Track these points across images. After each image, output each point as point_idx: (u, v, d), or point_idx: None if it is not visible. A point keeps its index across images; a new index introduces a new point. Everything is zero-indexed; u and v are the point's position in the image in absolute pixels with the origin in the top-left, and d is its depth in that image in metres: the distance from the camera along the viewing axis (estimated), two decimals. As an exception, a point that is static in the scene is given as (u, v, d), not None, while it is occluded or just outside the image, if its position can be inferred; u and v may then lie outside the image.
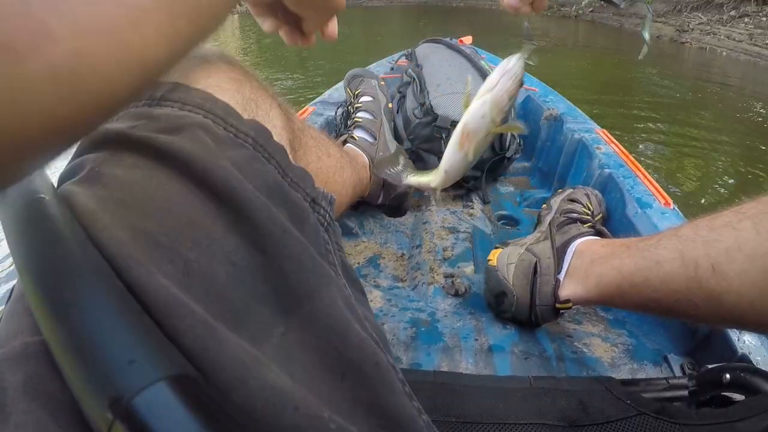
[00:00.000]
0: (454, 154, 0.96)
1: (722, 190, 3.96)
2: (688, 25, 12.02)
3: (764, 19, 10.83)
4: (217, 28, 0.43)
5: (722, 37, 11.07)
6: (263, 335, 0.41)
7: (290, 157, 0.59)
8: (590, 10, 15.39)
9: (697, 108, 6.45)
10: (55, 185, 0.45)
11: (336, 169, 0.97)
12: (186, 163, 0.44)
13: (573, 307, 0.98)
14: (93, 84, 0.30)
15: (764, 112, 6.18)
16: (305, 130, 0.83)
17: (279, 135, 0.59)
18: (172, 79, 0.53)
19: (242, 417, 0.36)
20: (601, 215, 1.29)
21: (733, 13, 11.54)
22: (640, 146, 4.71)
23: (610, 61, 9.69)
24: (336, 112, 1.63)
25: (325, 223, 0.56)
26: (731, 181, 4.21)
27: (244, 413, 0.36)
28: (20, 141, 0.28)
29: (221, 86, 0.56)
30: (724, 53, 10.53)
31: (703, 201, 3.64)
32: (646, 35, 1.06)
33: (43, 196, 0.40)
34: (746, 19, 11.16)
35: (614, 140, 1.62)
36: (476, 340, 1.00)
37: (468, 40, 2.18)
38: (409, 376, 0.84)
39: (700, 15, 12.17)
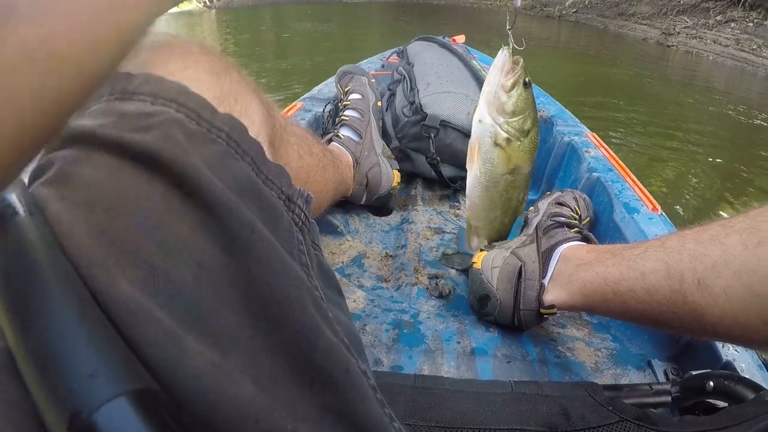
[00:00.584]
0: (469, 180, 1.00)
1: (703, 195, 3.99)
2: (674, 29, 12.01)
3: (750, 24, 10.84)
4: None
5: (709, 41, 11.08)
6: (230, 340, 0.40)
7: (269, 153, 0.57)
8: (574, 10, 15.34)
9: (680, 111, 6.49)
10: (26, 183, 0.44)
11: (318, 168, 0.96)
12: (155, 163, 0.43)
13: (557, 312, 0.97)
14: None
15: (745, 119, 6.22)
16: (288, 127, 0.81)
17: (257, 130, 0.58)
18: (146, 71, 0.51)
19: (202, 431, 0.35)
20: (588, 219, 1.28)
21: (719, 17, 11.54)
22: (619, 149, 4.74)
23: (592, 62, 9.66)
24: (324, 109, 1.62)
25: (300, 222, 0.54)
26: (710, 185, 4.25)
27: (203, 427, 0.35)
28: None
29: (199, 78, 0.54)
30: (711, 58, 10.54)
31: (679, 207, 3.65)
32: None
33: (12, 197, 0.39)
34: (732, 24, 11.17)
35: (603, 144, 1.61)
36: (459, 342, 0.99)
37: (460, 39, 2.18)
38: (390, 380, 0.84)
39: (686, 19, 12.15)
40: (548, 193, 1.31)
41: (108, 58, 0.34)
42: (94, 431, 0.28)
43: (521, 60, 0.94)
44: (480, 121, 0.98)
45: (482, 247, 1.12)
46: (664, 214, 1.25)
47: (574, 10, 15.34)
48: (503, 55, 0.94)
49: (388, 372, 0.90)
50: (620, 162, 1.48)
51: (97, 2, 0.32)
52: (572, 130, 1.72)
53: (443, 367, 0.93)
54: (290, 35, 10.96)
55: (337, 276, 1.18)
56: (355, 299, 1.11)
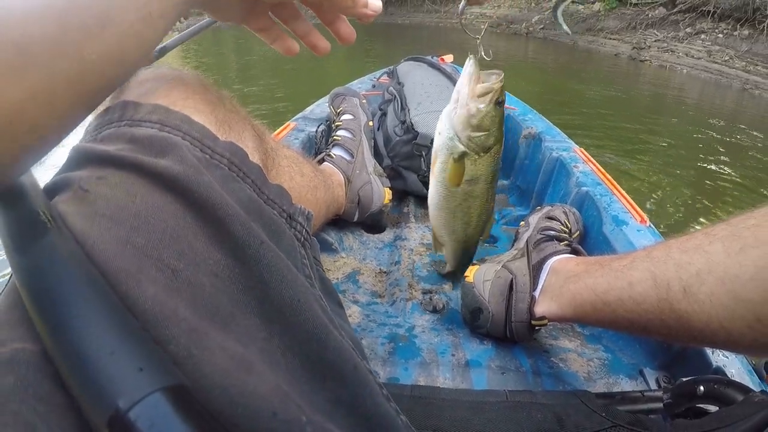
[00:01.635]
0: (429, 189, 1.03)
1: (676, 206, 4.03)
2: (645, 43, 12.01)
3: (720, 35, 10.87)
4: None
5: (681, 54, 11.10)
6: (248, 340, 0.43)
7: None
8: (541, 27, 15.28)
9: (654, 126, 6.54)
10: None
11: (309, 188, 0.98)
12: (171, 183, 0.46)
13: (549, 324, 0.99)
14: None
15: (718, 135, 6.27)
16: (279, 149, 0.84)
17: (251, 155, 0.61)
18: (152, 101, 0.54)
19: (223, 423, 0.37)
20: (578, 232, 1.30)
21: (689, 30, 11.54)
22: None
23: (561, 79, 9.61)
24: (317, 129, 1.64)
25: (302, 239, 0.58)
26: (684, 198, 4.30)
27: (224, 419, 0.37)
28: None
29: (197, 108, 0.58)
30: (685, 71, 10.55)
31: (659, 219, 3.68)
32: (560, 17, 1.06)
33: (41, 212, 0.41)
34: (703, 36, 11.19)
35: (591, 159, 1.64)
36: (453, 355, 1.00)
37: (449, 58, 2.21)
38: (387, 390, 0.85)
39: (656, 32, 12.16)
40: (538, 208, 1.33)
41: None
42: (133, 427, 0.30)
43: (502, 75, 0.93)
44: (439, 133, 0.97)
45: (474, 261, 1.14)
46: (652, 225, 1.27)
47: (541, 26, 15.28)
48: (469, 65, 0.92)
49: (385, 383, 0.91)
50: (608, 176, 1.50)
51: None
52: (560, 145, 1.74)
53: (439, 378, 0.94)
54: (255, 58, 10.87)
55: (332, 292, 1.20)
56: (351, 314, 1.12)
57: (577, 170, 1.54)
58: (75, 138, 0.51)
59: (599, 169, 1.55)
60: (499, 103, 0.93)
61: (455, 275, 1.22)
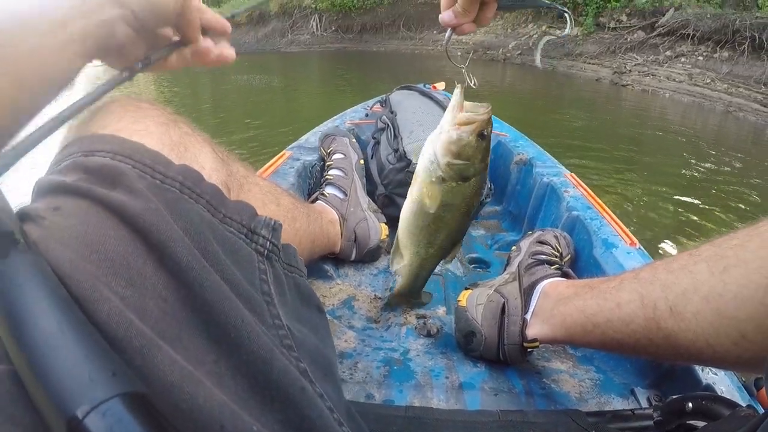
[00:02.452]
0: (405, 204, 1.01)
1: (662, 231, 4.04)
2: (625, 67, 11.95)
3: (701, 58, 10.84)
4: (55, 92, 0.55)
5: (662, 77, 11.07)
6: (197, 361, 0.45)
7: (227, 195, 0.63)
8: (518, 53, 15.14)
9: (636, 152, 6.56)
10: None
11: (287, 219, 1.01)
12: (119, 211, 0.49)
13: (541, 346, 1.01)
14: None
15: (702, 158, 6.29)
16: (251, 177, 0.88)
17: (208, 176, 0.64)
18: (107, 128, 0.59)
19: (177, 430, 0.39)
20: (570, 256, 1.32)
21: (668, 53, 11.48)
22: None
23: (541, 104, 9.51)
24: (312, 167, 1.67)
25: (265, 251, 0.59)
26: (667, 219, 4.33)
27: (177, 428, 0.40)
28: None
29: (148, 130, 0.62)
30: (668, 95, 10.50)
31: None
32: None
33: (13, 227, 0.43)
34: (683, 59, 11.14)
35: (582, 183, 1.66)
36: (447, 377, 1.01)
37: (440, 86, 2.24)
38: (382, 411, 0.87)
39: (635, 56, 12.24)
40: (530, 232, 1.35)
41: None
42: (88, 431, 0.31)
43: (489, 108, 0.90)
44: (422, 155, 0.96)
45: (466, 286, 1.15)
46: (642, 248, 1.29)
47: (519, 52, 15.11)
48: (456, 94, 0.91)
49: (380, 404, 0.93)
50: (598, 200, 1.53)
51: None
52: (551, 171, 1.77)
53: (433, 400, 0.95)
54: (229, 87, 10.88)
55: (329, 318, 1.21)
56: (347, 339, 1.13)
57: (568, 195, 1.56)
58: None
59: (589, 194, 1.58)
60: (482, 135, 0.90)
61: (402, 296, 1.20)
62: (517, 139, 2.11)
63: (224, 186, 0.70)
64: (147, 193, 0.51)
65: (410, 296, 1.18)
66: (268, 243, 0.60)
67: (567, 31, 1.05)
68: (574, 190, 1.60)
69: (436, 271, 1.41)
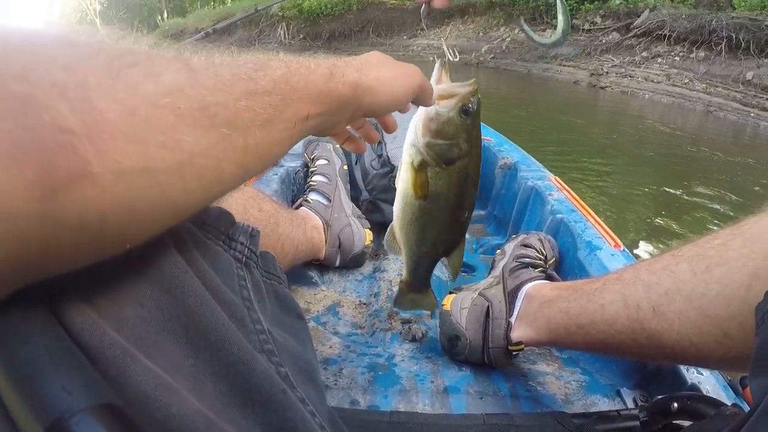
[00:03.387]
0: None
1: (641, 231, 4.10)
2: (602, 69, 12.00)
3: (677, 58, 10.86)
4: (264, 170, 0.51)
5: (640, 78, 11.05)
6: (174, 367, 0.44)
7: None
8: (491, 56, 15.14)
9: (614, 154, 6.56)
10: None
11: (269, 224, 1.01)
12: None
13: (526, 348, 1.00)
14: (114, 232, 0.35)
15: (685, 158, 6.39)
16: None
17: None
18: None
19: None
20: (554, 259, 1.32)
21: (645, 54, 11.55)
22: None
23: (516, 108, 9.29)
24: (296, 174, 1.67)
25: (244, 258, 0.59)
26: (645, 219, 4.39)
27: None
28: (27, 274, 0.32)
29: None
30: (647, 96, 10.49)
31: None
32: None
33: None
34: (659, 60, 11.16)
35: (566, 187, 1.66)
36: (432, 382, 1.01)
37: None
38: (366, 417, 0.86)
39: (612, 57, 12.21)
40: (514, 236, 1.35)
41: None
42: None
43: (472, 81, 0.82)
44: (406, 139, 0.88)
45: (450, 290, 1.15)
46: (626, 249, 1.30)
47: (492, 56, 15.01)
48: (436, 68, 0.85)
49: (365, 410, 0.92)
50: (582, 203, 1.53)
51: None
52: (535, 174, 1.77)
53: (418, 405, 0.95)
54: None
55: (313, 324, 1.21)
56: (332, 345, 1.13)
57: (552, 198, 1.56)
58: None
59: (573, 197, 1.58)
60: (466, 111, 0.81)
61: (406, 289, 1.07)
62: (502, 144, 2.11)
63: None
64: None
65: (414, 290, 1.07)
66: (246, 249, 0.60)
67: (560, 28, 0.94)
68: (558, 194, 1.60)
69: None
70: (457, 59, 0.87)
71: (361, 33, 18.87)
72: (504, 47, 14.97)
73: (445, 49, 0.87)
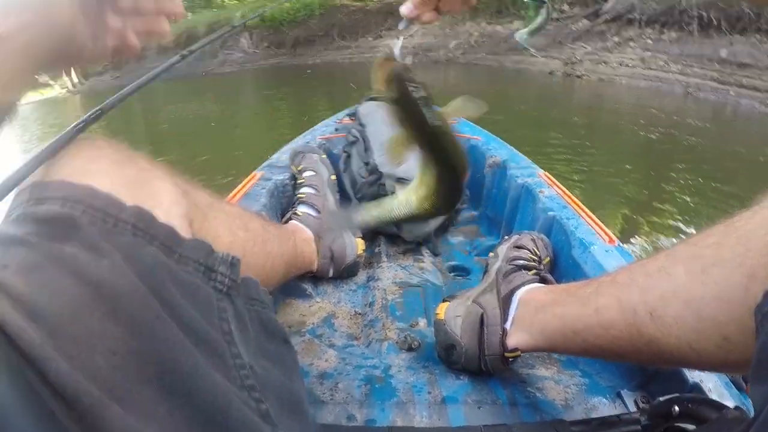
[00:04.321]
0: None
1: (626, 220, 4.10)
2: (575, 57, 11.64)
3: (650, 41, 10.68)
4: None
5: (615, 64, 10.87)
6: (147, 414, 0.43)
7: (187, 230, 0.61)
8: (461, 52, 14.52)
9: (594, 142, 6.50)
10: None
11: (256, 242, 0.99)
12: (68, 265, 0.47)
13: (522, 354, 0.99)
14: None
15: (667, 141, 6.36)
16: (215, 204, 0.85)
17: (167, 210, 0.61)
18: (59, 171, 0.56)
19: None
20: (548, 258, 1.31)
21: (616, 39, 11.23)
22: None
23: (495, 103, 8.63)
24: (287, 185, 1.66)
25: (225, 288, 0.57)
26: (630, 206, 4.40)
27: None
28: None
29: (102, 169, 0.59)
30: (624, 81, 10.33)
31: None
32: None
33: None
34: (632, 44, 10.95)
35: (556, 182, 1.65)
36: (429, 393, 0.99)
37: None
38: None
39: (583, 45, 11.76)
40: (507, 237, 1.33)
41: None
42: None
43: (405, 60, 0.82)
44: None
45: (444, 298, 1.13)
46: (621, 244, 1.28)
47: (461, 51, 14.56)
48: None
49: (362, 426, 0.91)
50: (574, 199, 1.52)
51: None
52: (525, 171, 1.76)
53: (416, 417, 0.93)
54: (162, 120, 10.10)
55: (308, 337, 1.20)
56: (327, 358, 1.11)
57: (543, 195, 1.55)
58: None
59: (564, 192, 1.57)
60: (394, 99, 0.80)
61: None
62: (490, 142, 2.09)
63: (186, 218, 0.68)
64: (101, 242, 0.49)
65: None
66: (227, 279, 0.58)
67: (540, 19, 0.91)
68: (549, 190, 1.59)
69: (415, 282, 1.40)
70: (408, 61, 0.83)
71: (325, 38, 18.49)
72: (473, 42, 14.59)
73: (395, 45, 0.84)
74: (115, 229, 0.52)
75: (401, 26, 0.87)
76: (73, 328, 0.43)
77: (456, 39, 14.99)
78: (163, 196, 0.65)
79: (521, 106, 8.85)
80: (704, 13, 9.60)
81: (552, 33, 12.26)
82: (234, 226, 0.91)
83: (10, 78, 0.47)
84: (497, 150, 1.99)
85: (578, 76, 11.19)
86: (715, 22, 9.49)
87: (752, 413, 0.50)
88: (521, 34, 0.96)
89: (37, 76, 0.55)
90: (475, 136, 2.14)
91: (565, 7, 12.59)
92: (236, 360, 0.52)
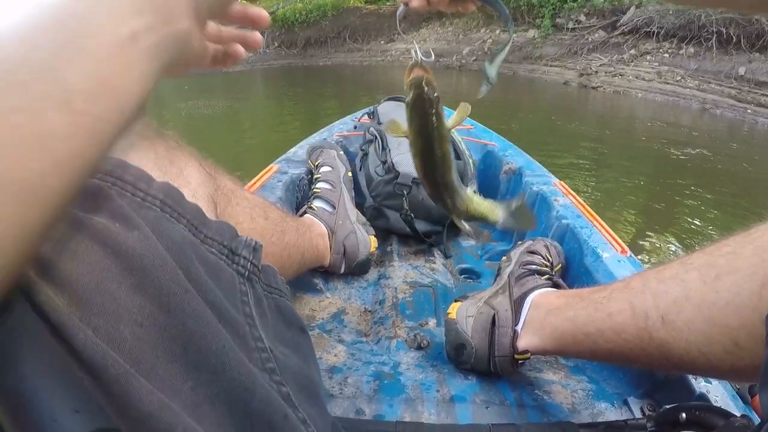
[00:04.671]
0: None
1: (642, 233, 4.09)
2: (591, 68, 11.82)
3: (666, 55, 10.65)
4: (124, 113, 0.41)
5: (631, 77, 10.84)
6: (172, 390, 0.43)
7: (212, 212, 0.61)
8: (473, 59, 14.67)
9: (608, 154, 6.54)
10: None
11: (274, 231, 1.00)
12: (98, 236, 0.46)
13: (532, 357, 1.00)
14: None
15: (685, 157, 6.35)
16: (237, 191, 0.86)
17: (194, 190, 0.62)
18: None
19: None
20: (560, 265, 1.32)
21: (633, 51, 11.31)
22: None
23: (508, 112, 8.84)
24: (300, 181, 1.67)
25: (246, 272, 0.58)
26: (648, 219, 4.39)
27: None
28: None
29: (134, 144, 0.59)
30: (640, 95, 10.31)
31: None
32: (492, 70, 0.95)
33: None
34: (648, 57, 10.93)
35: (572, 192, 1.66)
36: (438, 391, 1.00)
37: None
38: (372, 427, 0.85)
39: (599, 56, 11.93)
40: (520, 242, 1.34)
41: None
42: None
43: (419, 77, 0.85)
44: None
45: (456, 298, 1.14)
46: (633, 255, 1.29)
47: (474, 58, 14.63)
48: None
49: (370, 420, 0.92)
50: (588, 208, 1.52)
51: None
52: (540, 179, 1.77)
53: (423, 414, 0.94)
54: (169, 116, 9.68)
55: (318, 331, 1.21)
56: (336, 353, 1.12)
57: (558, 203, 1.56)
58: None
59: (579, 202, 1.57)
60: (408, 104, 0.87)
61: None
62: (506, 149, 2.10)
63: (211, 200, 0.69)
64: (131, 214, 0.49)
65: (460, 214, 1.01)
66: (249, 264, 0.59)
67: (509, 38, 0.90)
68: (563, 199, 1.59)
69: (425, 282, 1.41)
70: (432, 59, 0.86)
71: (337, 39, 18.60)
72: (486, 49, 14.59)
73: (415, 51, 0.87)
74: (144, 203, 0.52)
75: (399, 13, 0.94)
76: (99, 298, 0.43)
77: (469, 45, 15.04)
78: (192, 176, 0.66)
79: (533, 115, 8.84)
80: (723, 30, 9.55)
81: (567, 42, 12.32)
82: (254, 214, 0.92)
83: (139, 81, 0.44)
84: (513, 157, 2.00)
85: (594, 88, 11.17)
86: (734, 39, 9.45)
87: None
88: (489, 66, 0.96)
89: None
90: (491, 142, 2.15)
91: (582, 17, 12.54)
92: (257, 343, 0.53)
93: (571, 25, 12.70)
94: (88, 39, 0.36)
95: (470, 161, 1.71)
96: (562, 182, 1.74)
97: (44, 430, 0.32)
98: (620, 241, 1.35)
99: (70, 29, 0.35)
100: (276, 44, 19.43)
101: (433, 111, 0.86)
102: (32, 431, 0.32)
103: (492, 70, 0.94)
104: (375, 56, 17.35)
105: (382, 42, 17.47)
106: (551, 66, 12.63)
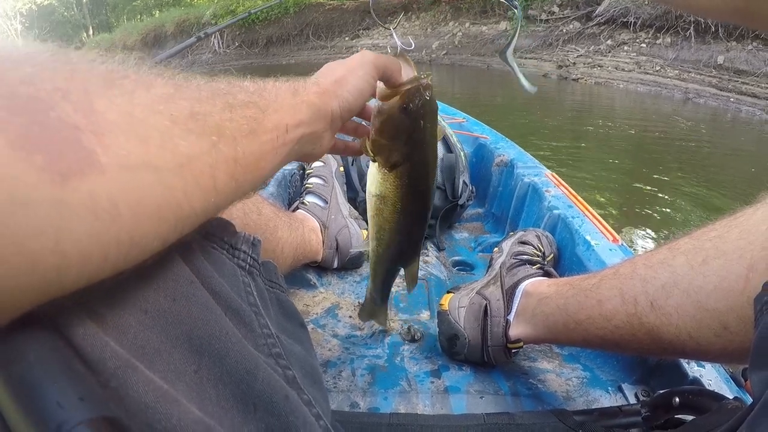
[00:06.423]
0: None
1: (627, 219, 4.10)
2: (568, 59, 11.66)
3: (644, 45, 10.57)
4: (255, 186, 0.54)
5: (610, 68, 10.76)
6: (176, 373, 0.43)
7: None
8: (444, 53, 14.50)
9: (592, 143, 6.51)
10: None
11: (267, 227, 1.01)
12: None
13: (526, 346, 1.00)
14: (127, 223, 0.35)
15: (668, 148, 6.33)
16: None
17: None
18: None
19: None
20: (552, 255, 1.32)
21: (610, 42, 11.24)
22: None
23: (478, 106, 8.67)
24: (292, 175, 1.66)
25: (247, 266, 0.59)
26: (631, 207, 4.38)
27: None
28: (46, 269, 0.31)
29: None
30: (621, 85, 10.19)
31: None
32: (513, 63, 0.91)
33: None
34: (626, 48, 10.83)
35: (563, 182, 1.66)
36: (432, 382, 1.00)
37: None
38: (365, 419, 0.85)
39: (575, 47, 11.76)
40: (512, 233, 1.34)
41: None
42: None
43: (424, 80, 0.72)
44: None
45: (448, 289, 1.14)
46: (624, 244, 1.29)
47: (444, 52, 14.59)
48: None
49: (364, 413, 0.92)
50: (579, 198, 1.53)
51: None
52: (532, 171, 1.77)
53: (418, 406, 0.94)
54: None
55: (312, 326, 1.21)
56: (331, 348, 1.12)
57: (549, 194, 1.56)
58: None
59: (570, 192, 1.58)
60: (405, 109, 0.70)
61: (369, 302, 1.06)
62: (498, 141, 2.11)
63: None
64: None
65: (373, 304, 1.05)
66: (249, 258, 0.59)
67: (516, 26, 0.87)
68: (555, 190, 1.60)
69: (420, 275, 1.41)
70: (412, 47, 0.82)
71: (299, 37, 18.26)
72: (456, 42, 14.41)
73: (395, 38, 0.81)
74: None
75: (372, 4, 0.94)
76: (103, 284, 0.43)
77: (438, 39, 14.81)
78: None
79: (512, 109, 8.72)
80: (701, 19, 9.46)
81: (542, 34, 12.16)
82: (248, 210, 0.92)
83: (276, 161, 0.54)
84: (505, 149, 2.00)
85: (574, 79, 11.06)
86: (712, 29, 9.42)
87: None
88: (505, 53, 0.95)
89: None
90: (483, 135, 2.15)
91: (555, 8, 12.40)
92: (264, 329, 0.53)
93: (544, 16, 12.52)
94: (260, 124, 0.50)
95: (462, 154, 1.71)
96: (553, 173, 1.75)
97: (50, 415, 0.32)
98: (611, 230, 1.35)
99: (249, 116, 0.49)
100: (236, 44, 19.10)
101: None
102: (38, 416, 0.32)
103: (513, 63, 0.94)
104: (340, 53, 16.68)
105: (347, 38, 17.18)
106: (527, 59, 12.41)
